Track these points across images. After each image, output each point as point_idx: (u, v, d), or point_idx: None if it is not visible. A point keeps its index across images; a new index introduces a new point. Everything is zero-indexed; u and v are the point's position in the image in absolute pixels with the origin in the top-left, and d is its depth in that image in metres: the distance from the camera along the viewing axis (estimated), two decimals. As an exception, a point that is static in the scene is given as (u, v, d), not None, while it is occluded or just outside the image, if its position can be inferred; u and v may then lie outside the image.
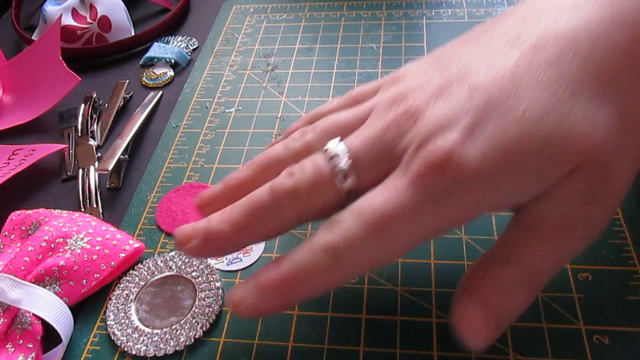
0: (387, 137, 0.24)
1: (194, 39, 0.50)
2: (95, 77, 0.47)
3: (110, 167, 0.37)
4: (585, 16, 0.24)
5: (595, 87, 0.23)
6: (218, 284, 0.30)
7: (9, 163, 0.38)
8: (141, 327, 0.29)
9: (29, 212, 0.34)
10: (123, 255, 0.31)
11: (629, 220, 0.31)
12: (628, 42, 0.23)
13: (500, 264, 0.23)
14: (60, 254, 0.31)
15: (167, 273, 0.31)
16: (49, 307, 0.29)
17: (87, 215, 0.34)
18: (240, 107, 0.42)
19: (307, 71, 0.44)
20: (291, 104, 0.42)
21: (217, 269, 0.31)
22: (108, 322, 0.29)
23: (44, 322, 0.29)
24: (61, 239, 0.31)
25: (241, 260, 0.32)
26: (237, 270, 0.32)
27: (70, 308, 0.30)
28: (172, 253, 0.32)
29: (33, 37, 0.51)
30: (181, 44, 0.49)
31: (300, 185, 0.24)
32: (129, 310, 0.30)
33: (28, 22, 0.55)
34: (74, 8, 0.49)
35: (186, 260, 0.32)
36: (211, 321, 0.29)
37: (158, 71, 0.47)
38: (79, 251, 0.31)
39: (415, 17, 0.48)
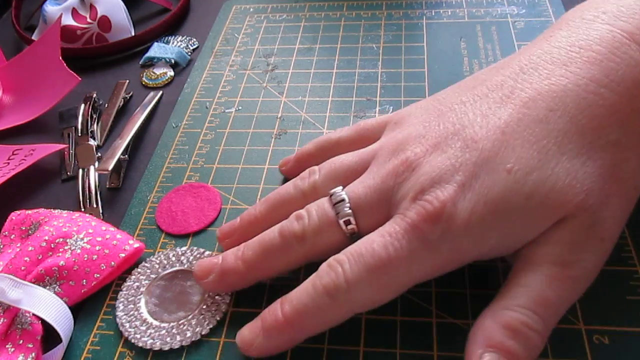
0: (386, 185, 0.26)
1: (194, 39, 0.50)
2: (95, 77, 0.47)
3: (110, 167, 0.37)
4: (576, 72, 0.25)
5: (582, 143, 0.24)
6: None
7: (9, 163, 0.38)
8: (149, 319, 0.29)
9: (29, 212, 0.34)
10: (123, 255, 0.31)
11: (629, 220, 0.31)
12: (614, 100, 0.25)
13: (508, 309, 0.24)
14: (60, 254, 0.31)
15: (178, 267, 0.31)
16: (49, 307, 0.29)
17: (87, 215, 0.34)
18: (240, 107, 0.42)
19: (307, 71, 0.44)
20: (291, 104, 0.42)
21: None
22: (117, 313, 0.30)
23: (44, 322, 0.29)
24: (61, 239, 0.31)
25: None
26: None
27: (70, 308, 0.30)
28: (184, 248, 0.32)
29: (33, 37, 0.51)
30: (181, 44, 0.49)
31: (307, 229, 0.27)
32: (139, 302, 0.30)
33: (28, 22, 0.55)
34: (74, 8, 0.49)
35: (198, 256, 0.32)
36: (218, 318, 0.29)
37: (158, 71, 0.47)
38: (79, 251, 0.31)
39: (415, 17, 0.48)
